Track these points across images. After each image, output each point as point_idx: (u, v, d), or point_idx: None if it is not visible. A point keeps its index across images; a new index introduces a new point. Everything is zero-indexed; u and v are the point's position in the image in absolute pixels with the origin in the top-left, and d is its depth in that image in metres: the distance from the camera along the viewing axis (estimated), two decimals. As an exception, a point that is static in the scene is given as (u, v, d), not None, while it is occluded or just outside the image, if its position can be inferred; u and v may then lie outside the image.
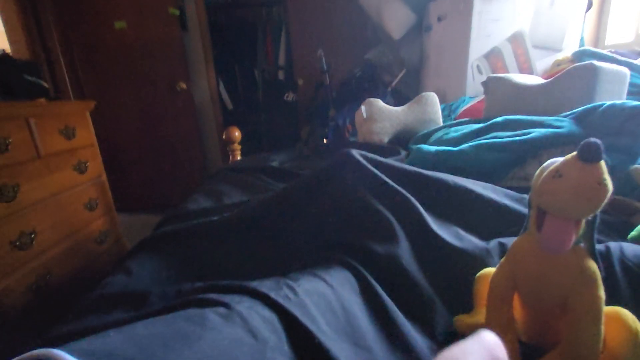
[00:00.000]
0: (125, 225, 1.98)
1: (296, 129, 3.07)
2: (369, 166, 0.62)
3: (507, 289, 0.39)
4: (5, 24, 2.77)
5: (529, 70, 1.80)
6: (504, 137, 0.89)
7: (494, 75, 1.30)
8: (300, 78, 2.90)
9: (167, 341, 0.30)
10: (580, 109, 0.91)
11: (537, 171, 0.37)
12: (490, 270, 0.46)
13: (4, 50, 1.57)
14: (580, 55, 1.54)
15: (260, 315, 0.36)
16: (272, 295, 0.39)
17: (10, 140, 1.24)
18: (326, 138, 2.70)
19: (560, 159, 0.34)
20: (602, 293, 0.34)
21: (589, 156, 0.30)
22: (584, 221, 0.33)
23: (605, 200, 0.30)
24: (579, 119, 0.89)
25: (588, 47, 1.81)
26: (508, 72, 1.78)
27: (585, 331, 0.33)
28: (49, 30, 2.54)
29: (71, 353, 0.27)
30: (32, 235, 1.29)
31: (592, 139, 0.30)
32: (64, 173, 1.51)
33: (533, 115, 0.98)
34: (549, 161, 0.36)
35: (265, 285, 0.42)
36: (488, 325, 0.40)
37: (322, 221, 0.61)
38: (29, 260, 1.28)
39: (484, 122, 1.03)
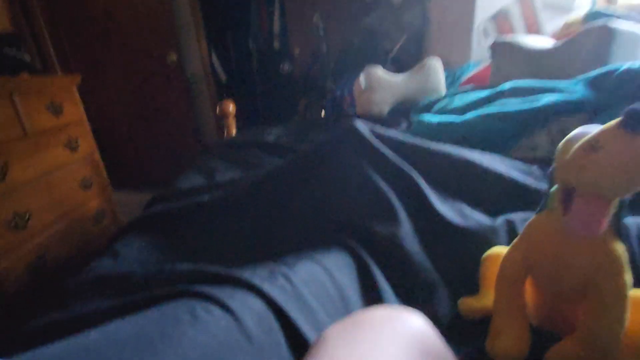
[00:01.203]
0: (122, 203, 1.95)
1: (293, 101, 2.98)
2: (373, 140, 0.57)
3: (520, 272, 0.36)
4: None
5: (538, 33, 1.70)
6: (512, 104, 0.83)
7: (502, 38, 1.22)
8: (297, 47, 2.77)
9: (156, 347, 0.27)
10: (594, 72, 0.85)
11: (561, 143, 0.32)
12: (498, 250, 0.43)
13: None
14: (592, 16, 1.44)
15: (255, 313, 0.33)
16: (265, 288, 0.35)
17: (-6, 118, 1.19)
18: (324, 110, 2.62)
19: (591, 128, 0.29)
20: (629, 278, 0.30)
21: (636, 125, 0.24)
22: (617, 199, 0.29)
23: None
24: (593, 83, 0.83)
25: (600, 7, 1.69)
26: (516, 34, 1.69)
27: (609, 319, 0.29)
28: (32, 1, 2.39)
29: None
30: (27, 216, 1.27)
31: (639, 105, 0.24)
32: (55, 151, 1.46)
33: (543, 80, 0.92)
34: (576, 131, 0.31)
35: (258, 275, 0.38)
36: (497, 310, 0.37)
37: (322, 198, 0.58)
38: (26, 240, 1.26)
39: (491, 89, 0.97)
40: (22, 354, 0.26)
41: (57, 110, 1.49)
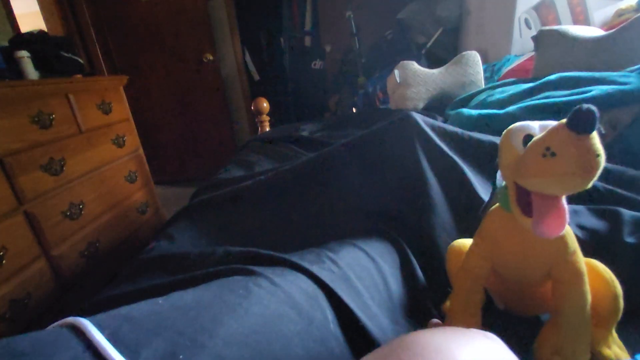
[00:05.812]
0: (162, 197, 2.06)
1: (324, 98, 3.00)
2: (427, 129, 0.58)
3: (485, 269, 0.37)
4: (40, 3, 2.85)
5: (586, 22, 1.60)
6: (558, 96, 0.80)
7: (546, 27, 1.17)
8: (328, 44, 2.79)
9: (215, 314, 0.29)
10: (651, 62, 0.80)
11: (501, 141, 0.33)
12: (461, 243, 0.43)
13: (40, 29, 1.60)
14: (649, 1, 1.34)
15: (304, 290, 0.35)
16: (315, 270, 0.37)
17: (54, 116, 1.30)
18: (355, 107, 2.61)
19: (532, 125, 0.30)
20: (581, 255, 0.33)
21: (586, 127, 0.25)
22: None
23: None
24: (649, 73, 0.78)
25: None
26: (561, 24, 1.60)
27: (579, 297, 0.32)
28: (80, 7, 2.57)
29: (112, 320, 0.27)
30: (81, 206, 1.37)
31: (585, 106, 0.25)
32: (104, 147, 1.57)
33: (592, 72, 0.88)
34: (516, 126, 0.32)
35: (306, 259, 0.40)
36: (454, 309, 0.38)
37: (367, 186, 0.59)
38: (80, 229, 1.37)
39: (535, 81, 0.94)
40: (98, 314, 0.29)
41: (106, 109, 1.60)
